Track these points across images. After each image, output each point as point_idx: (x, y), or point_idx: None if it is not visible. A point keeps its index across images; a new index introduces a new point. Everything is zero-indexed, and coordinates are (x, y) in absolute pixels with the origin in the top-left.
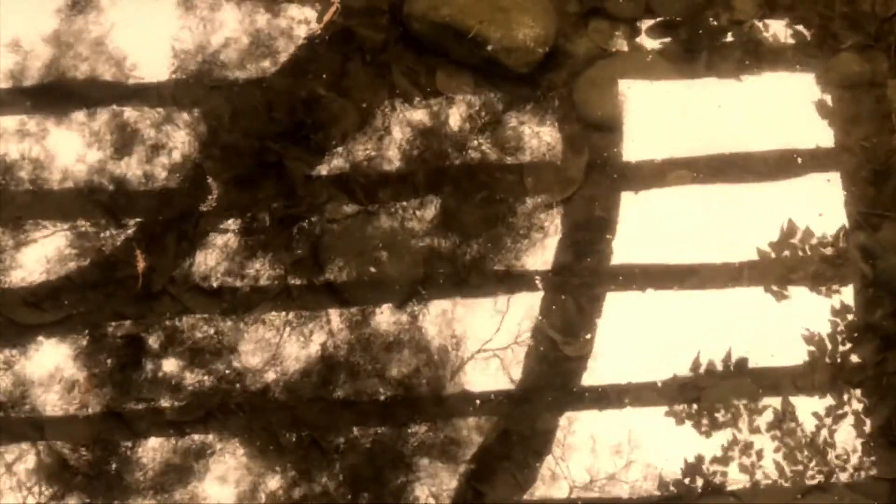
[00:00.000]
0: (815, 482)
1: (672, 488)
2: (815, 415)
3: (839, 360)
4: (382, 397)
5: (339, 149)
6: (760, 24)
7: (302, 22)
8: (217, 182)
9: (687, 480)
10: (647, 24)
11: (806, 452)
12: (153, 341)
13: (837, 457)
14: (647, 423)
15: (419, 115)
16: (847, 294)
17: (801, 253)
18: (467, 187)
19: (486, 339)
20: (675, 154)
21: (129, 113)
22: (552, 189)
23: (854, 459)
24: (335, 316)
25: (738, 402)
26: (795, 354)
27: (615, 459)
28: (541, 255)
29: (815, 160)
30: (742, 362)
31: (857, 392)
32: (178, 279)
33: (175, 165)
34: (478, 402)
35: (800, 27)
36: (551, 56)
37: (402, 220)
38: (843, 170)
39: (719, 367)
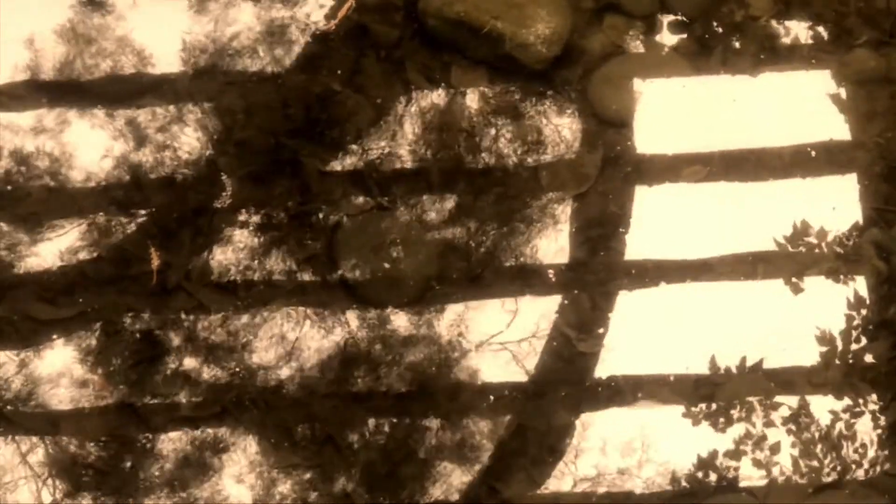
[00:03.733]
0: (829, 479)
1: (685, 484)
2: (831, 412)
3: (853, 357)
4: (396, 392)
5: (354, 145)
6: (775, 21)
7: (317, 18)
8: (231, 178)
9: (700, 474)
10: (662, 20)
11: (821, 447)
12: (168, 337)
13: (854, 450)
14: (660, 419)
15: (434, 111)
16: (861, 289)
17: (815, 249)
18: (482, 183)
19: (498, 333)
20: (690, 149)
21: (144, 109)
22: (567, 185)
23: (871, 454)
24: (350, 311)
25: (752, 400)
26: (809, 350)
27: (627, 455)
28: (554, 251)
29: (829, 156)
30: (756, 359)
31: (872, 388)
32: (192, 275)
33: (189, 162)
34: (491, 397)
35: (815, 23)
36: (566, 52)
37: (417, 215)
38: (858, 165)
39: (734, 363)
